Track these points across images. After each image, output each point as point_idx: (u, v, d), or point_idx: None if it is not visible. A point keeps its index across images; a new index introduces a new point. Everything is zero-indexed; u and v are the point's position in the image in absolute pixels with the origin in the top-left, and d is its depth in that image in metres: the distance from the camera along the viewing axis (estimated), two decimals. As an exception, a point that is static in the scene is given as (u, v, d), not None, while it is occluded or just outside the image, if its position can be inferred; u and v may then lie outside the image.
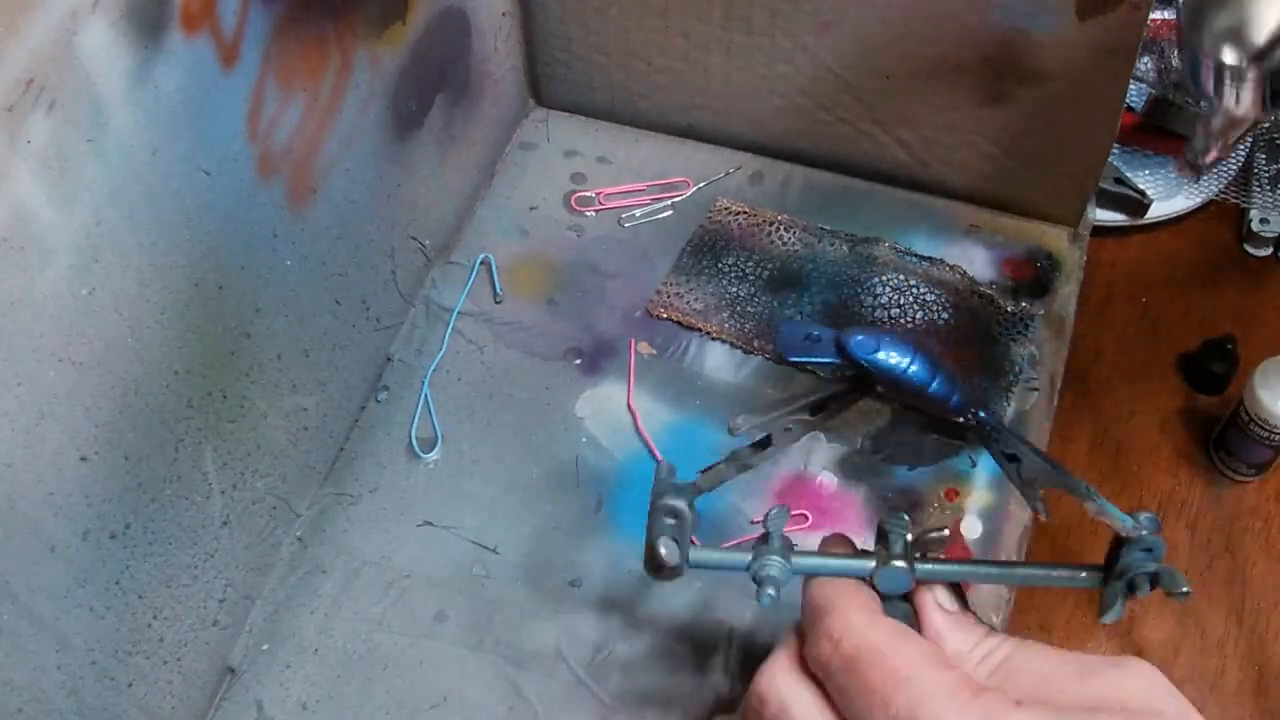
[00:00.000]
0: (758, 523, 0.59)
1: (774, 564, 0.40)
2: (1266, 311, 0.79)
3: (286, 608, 0.59)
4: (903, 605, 0.40)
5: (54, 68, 0.40)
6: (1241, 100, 0.44)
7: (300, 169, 0.56)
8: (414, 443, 0.64)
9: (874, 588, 0.40)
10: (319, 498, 0.62)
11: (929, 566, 0.40)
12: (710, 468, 0.43)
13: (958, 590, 0.41)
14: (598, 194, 0.74)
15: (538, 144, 0.77)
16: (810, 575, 0.41)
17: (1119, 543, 0.40)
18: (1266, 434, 0.68)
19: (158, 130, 0.45)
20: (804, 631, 0.40)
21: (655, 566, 0.41)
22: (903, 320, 0.66)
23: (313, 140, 0.56)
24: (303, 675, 0.57)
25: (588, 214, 0.73)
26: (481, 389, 0.66)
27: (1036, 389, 0.63)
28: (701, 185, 0.74)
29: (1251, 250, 0.82)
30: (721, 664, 0.56)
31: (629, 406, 0.64)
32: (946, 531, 0.41)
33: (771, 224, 0.71)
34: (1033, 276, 0.68)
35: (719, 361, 0.66)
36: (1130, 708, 0.34)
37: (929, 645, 0.37)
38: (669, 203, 0.73)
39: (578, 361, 0.67)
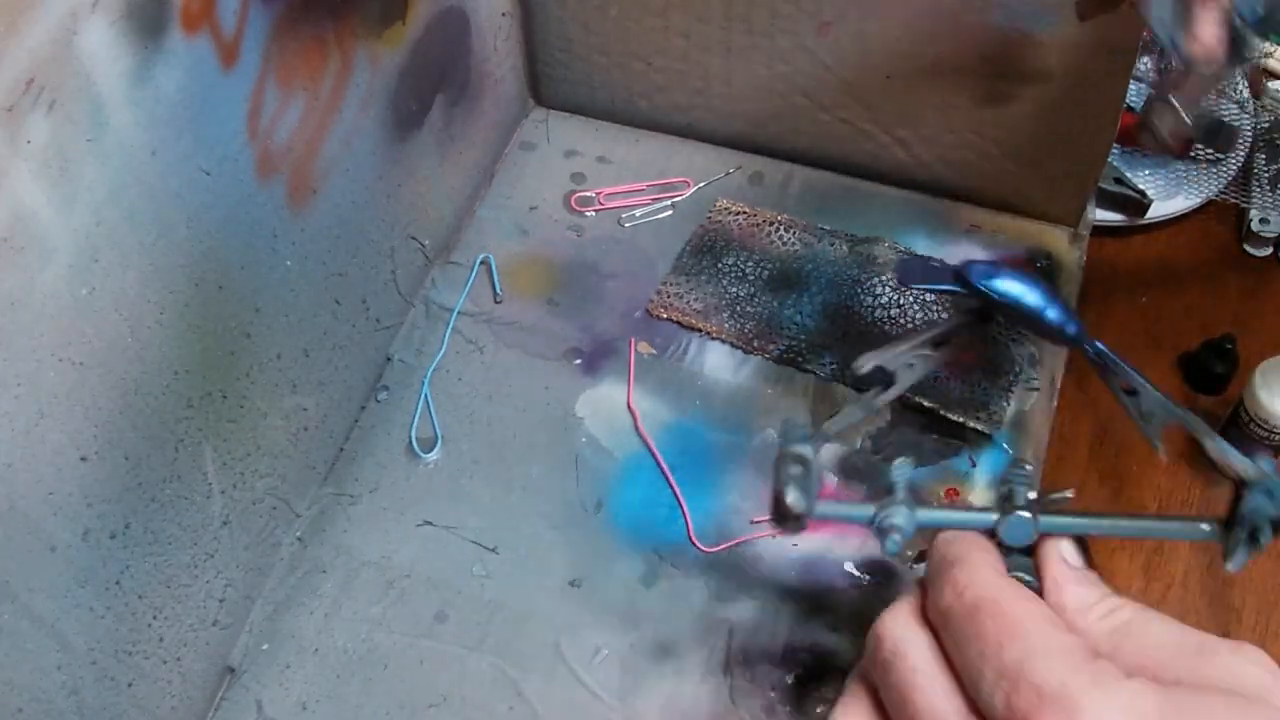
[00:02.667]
0: (758, 522, 0.60)
1: (899, 514, 0.40)
2: (1266, 311, 0.79)
3: (286, 608, 0.59)
4: (1025, 560, 0.40)
5: (54, 68, 0.40)
6: (1202, 38, 0.43)
7: (300, 169, 0.56)
8: (414, 443, 0.64)
9: (998, 543, 0.40)
10: (319, 498, 0.62)
11: (1052, 518, 0.40)
12: (835, 414, 0.43)
13: (1082, 547, 0.41)
14: (598, 194, 0.74)
15: (538, 144, 0.77)
16: (936, 529, 0.41)
17: (1239, 488, 0.40)
18: (1266, 434, 0.68)
19: (158, 130, 0.45)
20: (927, 584, 0.40)
21: (780, 516, 0.41)
22: (902, 320, 0.66)
23: (313, 140, 0.56)
24: (303, 675, 0.57)
25: (588, 214, 0.73)
26: (481, 389, 0.66)
27: (1036, 389, 0.63)
28: (701, 185, 0.74)
29: (1251, 250, 0.81)
30: (721, 664, 0.56)
31: (629, 406, 0.64)
32: (1070, 493, 0.41)
33: (771, 224, 0.71)
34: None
35: (719, 361, 0.66)
36: (1242, 693, 0.34)
37: (1050, 608, 0.37)
38: (669, 203, 0.73)
39: (578, 361, 0.67)
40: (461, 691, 0.56)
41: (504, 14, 0.72)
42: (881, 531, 0.41)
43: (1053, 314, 0.41)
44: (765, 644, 0.56)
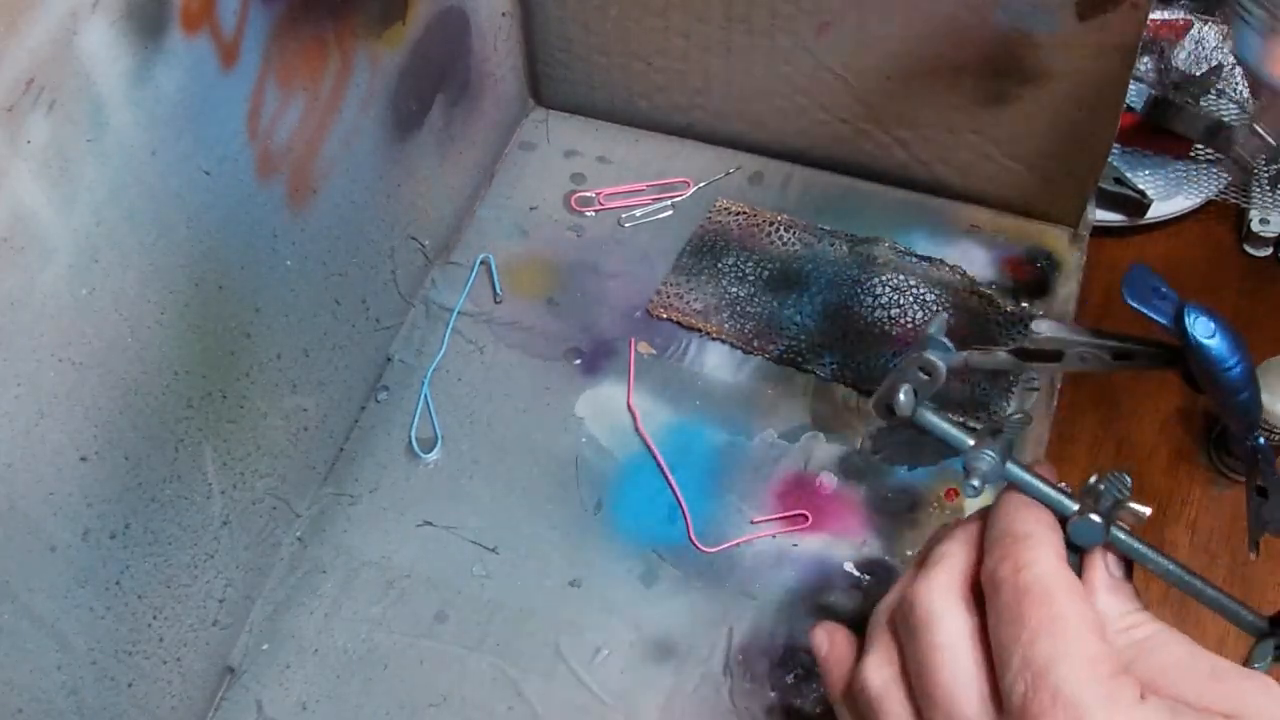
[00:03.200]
0: (758, 522, 0.59)
1: (988, 459, 0.41)
2: (1266, 311, 0.79)
3: (286, 608, 0.59)
4: (1074, 557, 0.40)
5: (54, 68, 0.40)
6: None
7: (300, 169, 0.56)
8: (414, 443, 0.64)
9: (1065, 530, 0.40)
10: (319, 498, 0.62)
11: (1123, 536, 0.40)
12: (988, 349, 0.42)
13: (1128, 565, 0.41)
14: (598, 194, 0.74)
15: (538, 144, 0.77)
16: (1011, 488, 0.41)
17: None
18: (1266, 434, 0.68)
19: (158, 130, 0.45)
20: (986, 547, 0.40)
21: (886, 409, 0.41)
22: (902, 320, 0.66)
23: (313, 140, 0.56)
24: (303, 675, 0.57)
25: (588, 214, 0.73)
26: (481, 389, 0.66)
27: (1036, 389, 0.63)
28: (701, 185, 0.74)
29: (1251, 250, 0.81)
30: (721, 664, 0.56)
31: (629, 406, 0.64)
32: (1148, 511, 0.40)
33: (771, 224, 0.71)
34: (1033, 276, 0.68)
35: (719, 361, 0.66)
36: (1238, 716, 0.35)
37: (1097, 614, 0.37)
38: (669, 203, 0.73)
39: (578, 361, 0.67)
40: (461, 691, 0.56)
41: (504, 14, 0.72)
42: (967, 470, 0.41)
43: (1246, 396, 0.39)
44: (765, 644, 0.56)
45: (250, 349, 0.55)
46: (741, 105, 0.73)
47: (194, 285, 0.50)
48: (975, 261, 0.69)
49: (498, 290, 0.70)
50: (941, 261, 0.68)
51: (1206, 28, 0.88)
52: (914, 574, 0.41)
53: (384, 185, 0.64)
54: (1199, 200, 0.81)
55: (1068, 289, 0.68)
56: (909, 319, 0.66)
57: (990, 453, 0.41)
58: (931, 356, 0.41)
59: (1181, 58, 0.86)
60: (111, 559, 0.48)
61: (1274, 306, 0.79)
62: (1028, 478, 0.41)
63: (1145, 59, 0.85)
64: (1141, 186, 0.79)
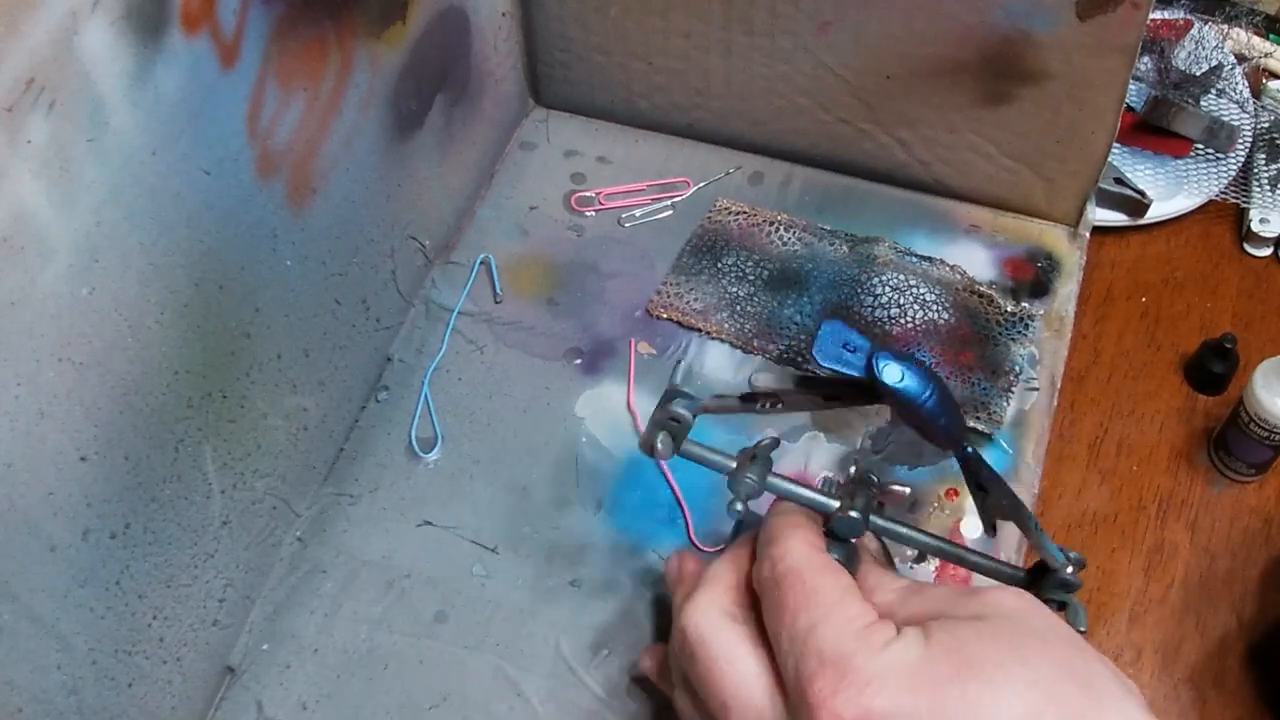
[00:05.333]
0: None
1: (749, 481, 0.45)
2: (1266, 311, 0.79)
3: (286, 608, 0.59)
4: (847, 546, 0.44)
5: (54, 68, 0.40)
6: None
7: (300, 169, 0.56)
8: (414, 443, 0.64)
9: (829, 526, 0.44)
10: (319, 498, 0.62)
11: (882, 523, 0.45)
12: (723, 397, 0.47)
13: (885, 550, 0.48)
14: (598, 194, 0.74)
15: (538, 144, 0.77)
16: (776, 501, 0.45)
17: (1043, 568, 0.45)
18: (1266, 434, 0.68)
19: (158, 130, 0.45)
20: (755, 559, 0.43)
21: (650, 449, 0.47)
22: (902, 320, 0.66)
23: (313, 140, 0.56)
24: (303, 675, 0.57)
25: (588, 214, 0.73)
26: (481, 389, 0.66)
27: (1036, 389, 0.63)
28: (701, 185, 0.74)
29: (1251, 250, 0.82)
30: (721, 664, 0.55)
31: (629, 406, 0.64)
32: (907, 490, 0.46)
33: (771, 224, 0.71)
34: (1033, 276, 0.68)
35: (719, 361, 0.66)
36: (1001, 616, 0.38)
37: (848, 580, 0.40)
38: (669, 203, 0.73)
39: (578, 361, 0.67)
40: (462, 691, 0.56)
41: (504, 14, 0.72)
42: (732, 492, 0.45)
43: (945, 421, 0.43)
44: (765, 644, 0.56)
45: (250, 349, 0.55)
46: (741, 105, 0.73)
47: (194, 285, 0.50)
48: (975, 261, 0.69)
49: (498, 290, 0.70)
50: (941, 261, 0.68)
51: (1206, 28, 0.88)
52: (681, 605, 0.44)
53: (384, 185, 0.64)
54: (1199, 200, 0.81)
55: (1067, 289, 0.68)
56: (909, 319, 0.66)
57: (751, 476, 0.45)
58: (678, 409, 0.46)
59: (1181, 58, 0.86)
60: (111, 559, 0.48)
61: (1274, 306, 0.79)
62: (788, 486, 0.45)
63: (1145, 59, 0.86)
64: (1141, 186, 0.79)
